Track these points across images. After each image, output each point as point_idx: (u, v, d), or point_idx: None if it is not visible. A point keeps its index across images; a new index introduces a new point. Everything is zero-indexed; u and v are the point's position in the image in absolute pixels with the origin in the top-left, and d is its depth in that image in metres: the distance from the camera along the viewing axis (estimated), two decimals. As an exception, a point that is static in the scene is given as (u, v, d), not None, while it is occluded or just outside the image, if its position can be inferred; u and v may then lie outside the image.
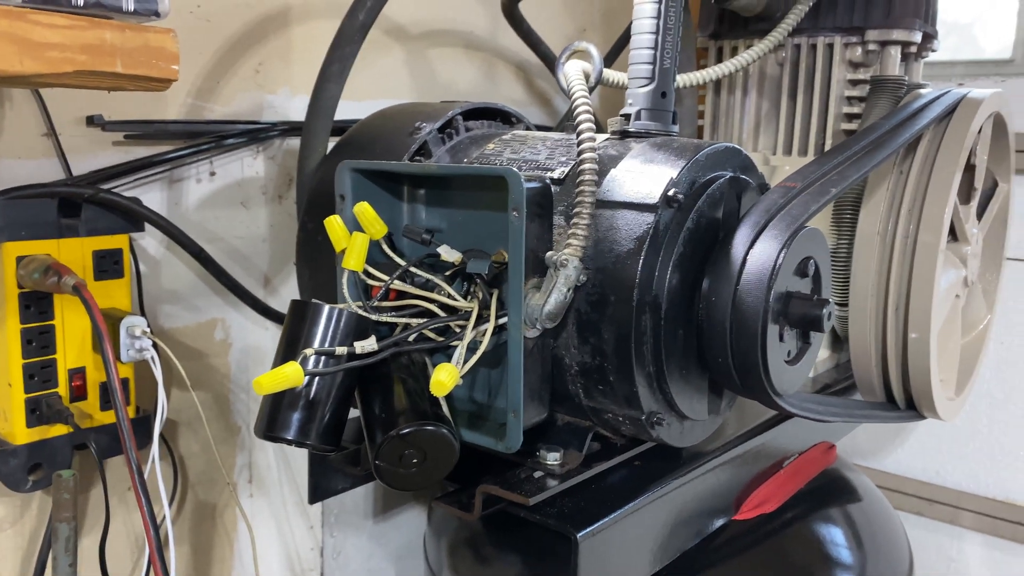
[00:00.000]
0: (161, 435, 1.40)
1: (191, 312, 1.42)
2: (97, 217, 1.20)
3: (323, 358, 0.84)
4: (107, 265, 1.22)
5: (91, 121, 1.24)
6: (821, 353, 1.54)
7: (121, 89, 0.88)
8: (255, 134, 1.43)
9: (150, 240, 1.35)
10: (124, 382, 1.25)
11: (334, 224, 0.90)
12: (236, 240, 1.46)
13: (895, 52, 1.48)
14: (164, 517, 1.16)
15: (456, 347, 0.87)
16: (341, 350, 0.83)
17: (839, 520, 1.33)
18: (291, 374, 0.78)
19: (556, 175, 0.95)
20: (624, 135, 1.00)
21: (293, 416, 0.85)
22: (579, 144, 0.90)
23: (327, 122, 1.10)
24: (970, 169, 1.45)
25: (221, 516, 1.51)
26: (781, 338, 0.90)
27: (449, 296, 0.90)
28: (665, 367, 0.89)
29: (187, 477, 1.45)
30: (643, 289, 0.87)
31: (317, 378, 0.85)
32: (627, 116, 1.00)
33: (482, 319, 0.88)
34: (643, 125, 1.00)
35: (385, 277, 0.91)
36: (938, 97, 1.37)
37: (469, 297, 0.92)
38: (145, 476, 1.17)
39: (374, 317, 0.88)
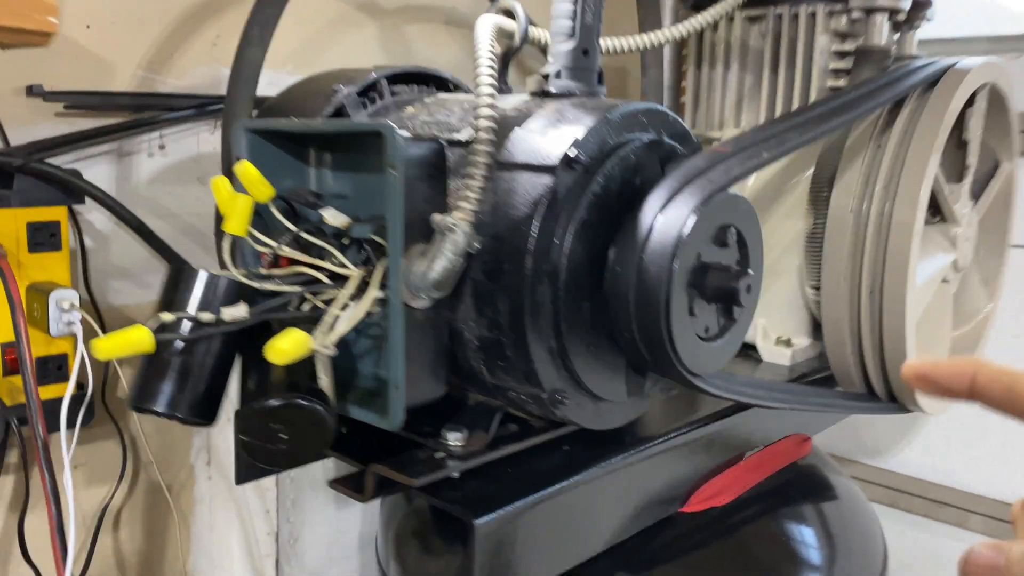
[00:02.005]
0: (110, 414, 1.38)
1: (142, 289, 1.39)
2: (31, 188, 1.18)
3: (186, 324, 0.79)
4: (43, 238, 1.19)
5: (31, 91, 1.22)
6: (801, 341, 1.45)
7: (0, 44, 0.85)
8: (211, 108, 1.39)
9: (98, 215, 1.32)
10: (62, 357, 1.23)
11: (219, 186, 0.85)
12: (191, 217, 1.42)
13: (882, 20, 1.38)
14: (68, 501, 1.12)
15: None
16: (206, 316, 0.79)
17: (805, 515, 1.24)
18: (135, 338, 0.73)
19: (462, 137, 0.89)
20: (543, 95, 0.94)
21: (162, 386, 0.80)
22: (477, 101, 0.84)
23: (249, 88, 1.06)
24: (964, 146, 1.35)
25: (177, 498, 1.48)
26: (692, 311, 0.83)
27: (340, 264, 0.85)
28: (567, 342, 0.83)
29: (139, 458, 1.43)
30: (538, 257, 0.80)
31: (188, 348, 0.80)
32: (546, 76, 0.94)
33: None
34: (564, 85, 0.93)
35: (272, 243, 0.85)
36: (922, 67, 1.28)
37: (368, 266, 0.86)
38: (69, 455, 1.15)
39: (256, 284, 0.83)
